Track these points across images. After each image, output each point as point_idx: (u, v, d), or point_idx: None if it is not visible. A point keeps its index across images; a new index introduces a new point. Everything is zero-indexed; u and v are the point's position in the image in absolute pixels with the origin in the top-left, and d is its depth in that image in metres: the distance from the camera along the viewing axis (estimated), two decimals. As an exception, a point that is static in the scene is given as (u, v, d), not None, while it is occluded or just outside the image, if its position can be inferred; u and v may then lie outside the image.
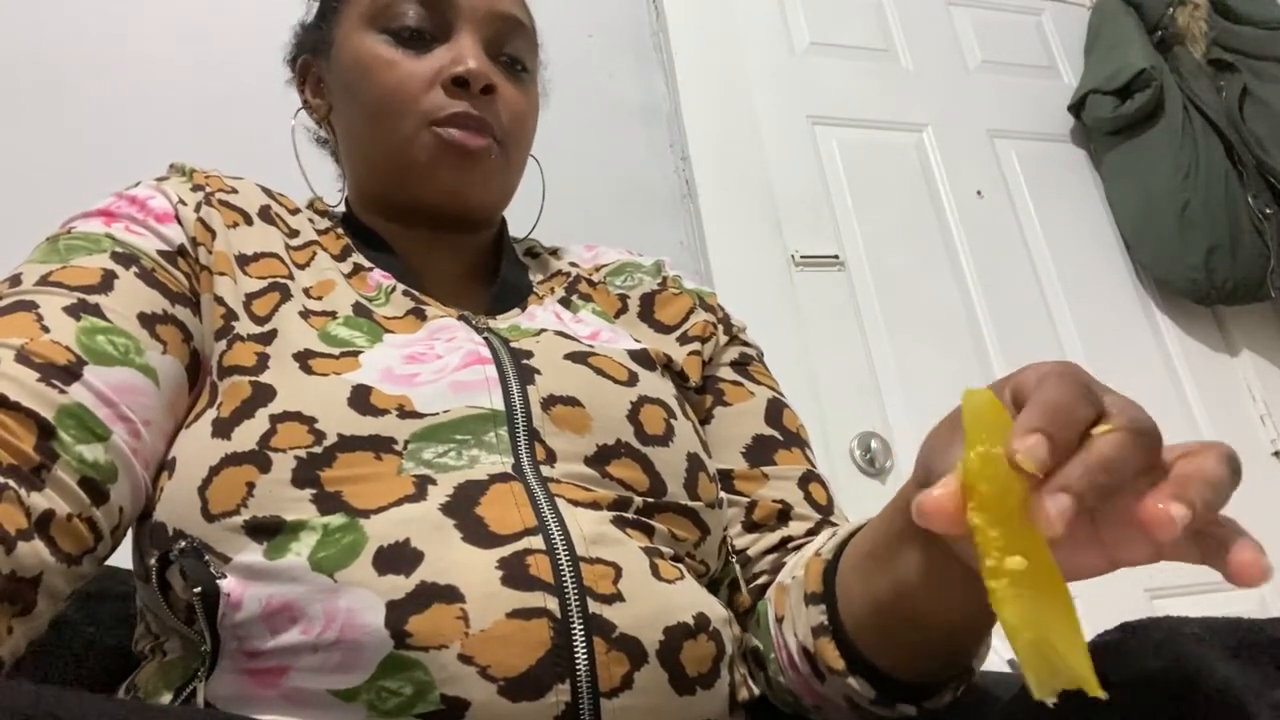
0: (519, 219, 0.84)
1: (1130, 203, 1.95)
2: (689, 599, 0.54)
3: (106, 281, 0.56)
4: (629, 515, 0.56)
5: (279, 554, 0.49)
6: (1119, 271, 1.94)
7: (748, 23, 1.88)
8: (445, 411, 0.55)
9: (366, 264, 0.69)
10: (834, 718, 0.58)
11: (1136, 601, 1.57)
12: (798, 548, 0.65)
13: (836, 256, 1.71)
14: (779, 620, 0.59)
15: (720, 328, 0.76)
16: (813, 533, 0.66)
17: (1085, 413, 0.35)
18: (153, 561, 0.52)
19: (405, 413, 0.54)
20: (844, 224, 1.75)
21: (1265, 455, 1.83)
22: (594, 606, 0.49)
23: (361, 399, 0.54)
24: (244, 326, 0.59)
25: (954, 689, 0.53)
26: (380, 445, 0.53)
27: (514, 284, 0.74)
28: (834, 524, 0.67)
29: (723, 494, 0.66)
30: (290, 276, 0.64)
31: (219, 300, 0.60)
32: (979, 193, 1.90)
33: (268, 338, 0.59)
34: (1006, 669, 1.33)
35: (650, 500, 0.57)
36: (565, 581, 0.49)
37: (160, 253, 0.60)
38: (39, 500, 0.48)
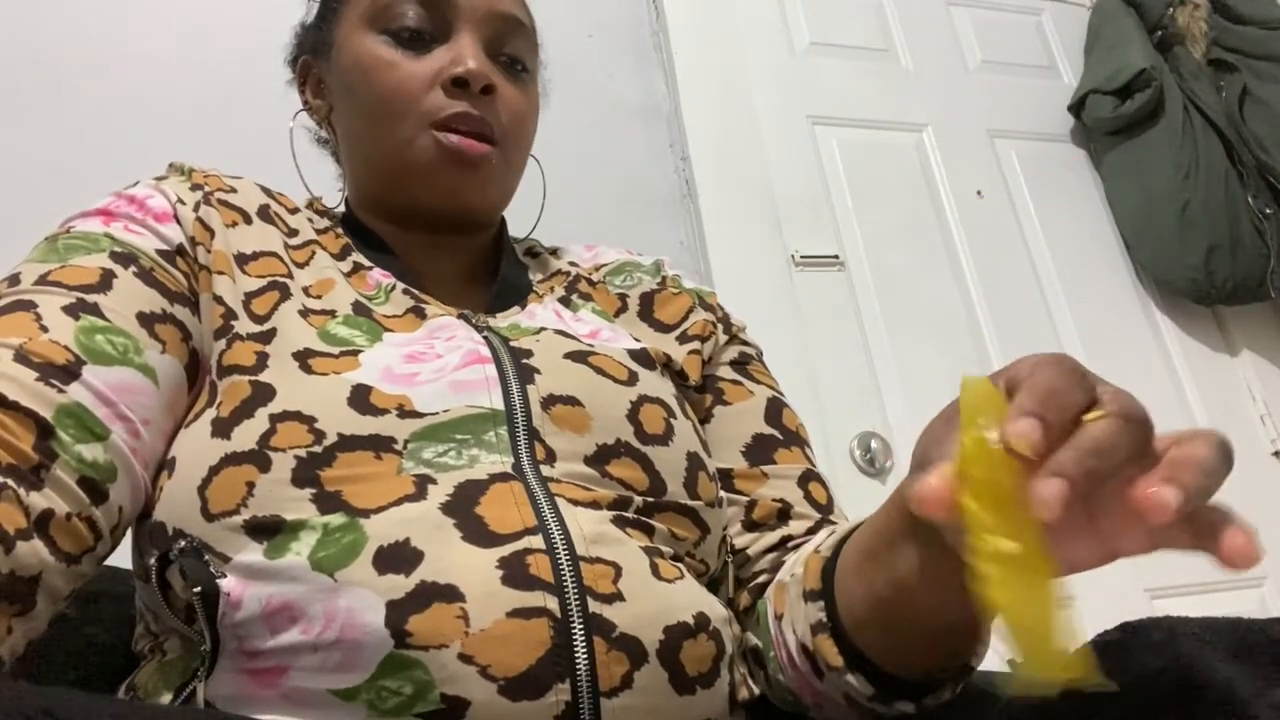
0: (519, 219, 0.83)
1: (1130, 203, 1.95)
2: (689, 598, 0.54)
3: (105, 281, 0.56)
4: (629, 515, 0.56)
5: (279, 553, 0.49)
6: (1119, 271, 1.94)
7: (748, 23, 1.88)
8: (445, 411, 0.55)
9: (366, 263, 0.69)
10: (833, 715, 0.58)
11: (1136, 601, 1.57)
12: (797, 546, 0.65)
13: (836, 256, 1.71)
14: (778, 618, 0.59)
15: (720, 327, 0.76)
16: (812, 532, 0.66)
17: (1077, 397, 0.36)
18: (152, 561, 0.52)
19: (405, 412, 0.54)
20: (844, 224, 1.75)
21: (1265, 455, 1.83)
22: (594, 606, 0.49)
23: (361, 398, 0.54)
24: (243, 325, 0.59)
25: (952, 686, 0.53)
26: (380, 445, 0.53)
27: (514, 283, 0.74)
28: (833, 523, 0.67)
29: (722, 493, 0.66)
30: (289, 275, 0.64)
31: (218, 299, 0.60)
32: (979, 193, 1.90)
33: (267, 337, 0.59)
34: (1006, 668, 1.33)
35: (650, 500, 0.57)
36: (565, 581, 0.49)
37: (159, 252, 0.60)
38: (38, 500, 0.47)
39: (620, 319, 0.74)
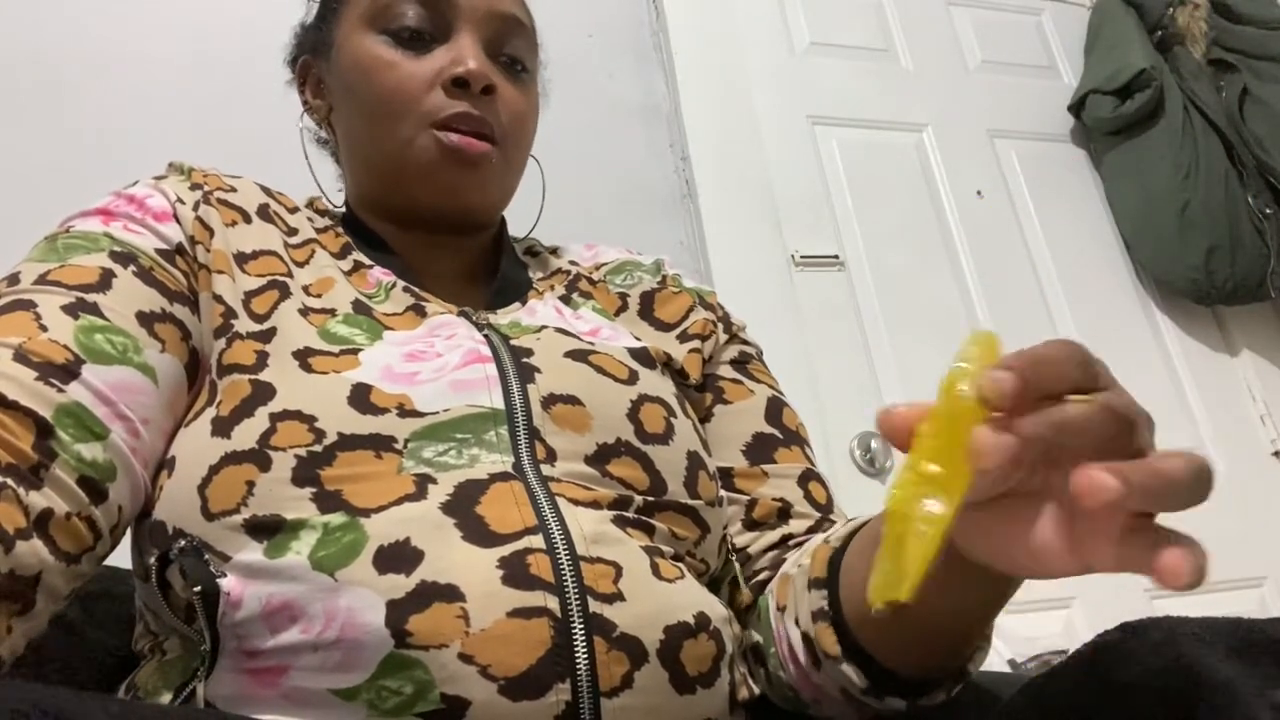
0: (519, 219, 0.83)
1: (1130, 203, 1.95)
2: (689, 598, 0.54)
3: (105, 280, 0.56)
4: (629, 514, 0.56)
5: (279, 553, 0.49)
6: (1119, 271, 1.95)
7: (748, 23, 1.88)
8: (445, 410, 0.55)
9: (366, 261, 0.69)
10: (831, 712, 0.58)
11: (1136, 601, 1.57)
12: (798, 545, 0.65)
13: (836, 256, 1.71)
14: (780, 610, 0.59)
15: (720, 326, 0.76)
16: (813, 530, 0.66)
17: (1070, 372, 0.35)
18: (152, 560, 0.52)
19: (405, 411, 0.54)
20: (844, 224, 1.75)
21: (1265, 455, 1.83)
22: (594, 606, 0.49)
23: (361, 398, 0.54)
24: (243, 324, 0.59)
25: (948, 689, 0.53)
26: (380, 444, 0.53)
27: (514, 280, 0.74)
28: (833, 522, 0.67)
29: (722, 492, 0.66)
30: (289, 274, 0.64)
31: (218, 298, 0.60)
32: (979, 193, 1.90)
33: (267, 335, 0.59)
34: (1006, 669, 1.34)
35: (650, 499, 0.57)
36: (566, 581, 0.49)
37: (158, 251, 0.60)
38: (37, 499, 0.47)
39: (621, 318, 0.74)
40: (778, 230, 1.69)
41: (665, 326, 0.74)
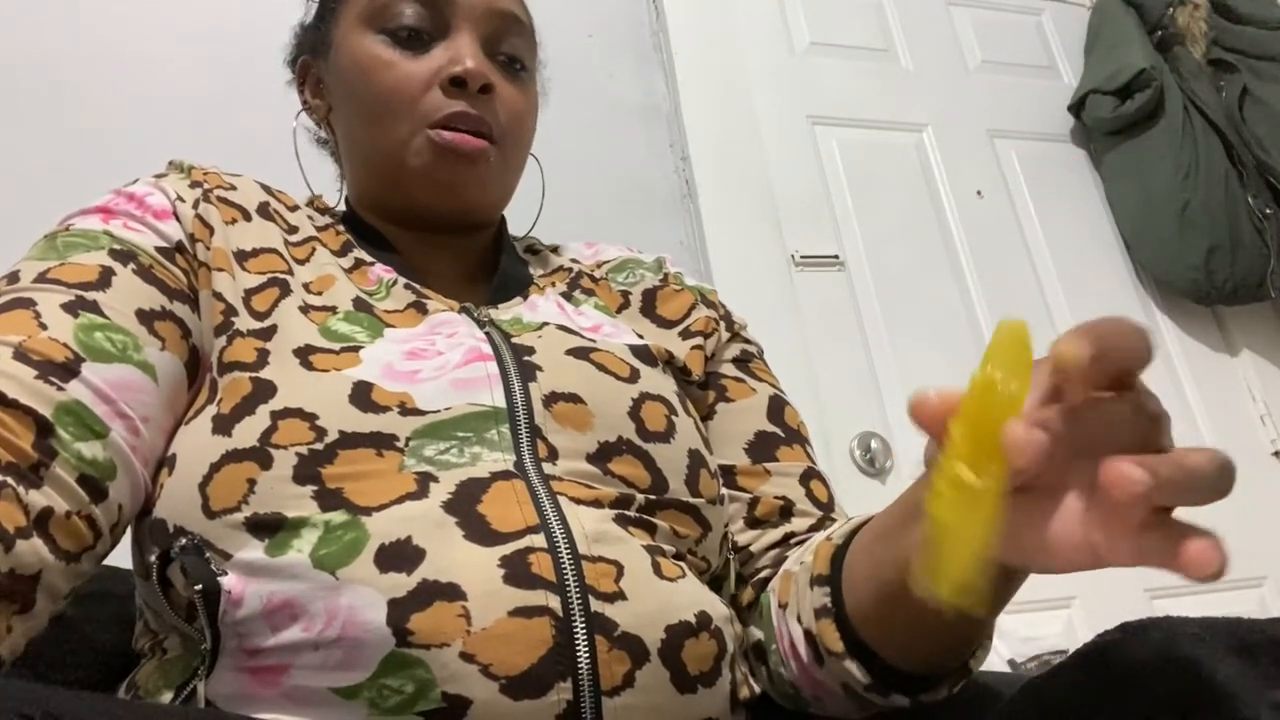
0: (519, 218, 0.83)
1: (1130, 203, 1.95)
2: (691, 597, 0.54)
3: (104, 278, 0.56)
4: (631, 513, 0.56)
5: (280, 551, 0.49)
6: (1119, 271, 1.95)
7: (748, 23, 1.88)
8: (447, 409, 0.55)
9: (367, 259, 0.69)
10: (832, 709, 0.58)
11: (1136, 601, 1.57)
12: (800, 543, 0.65)
13: (836, 256, 1.71)
14: (782, 607, 0.59)
15: (722, 324, 0.76)
16: (815, 529, 0.66)
17: (1136, 344, 0.35)
18: (153, 559, 0.52)
19: (406, 410, 0.54)
20: (844, 224, 1.75)
21: (1265, 455, 1.83)
22: (596, 605, 0.49)
23: (363, 396, 0.54)
24: (244, 322, 0.59)
25: (950, 685, 0.53)
26: (381, 442, 0.53)
27: (515, 276, 0.74)
28: (835, 520, 0.68)
29: (724, 490, 0.66)
30: (290, 272, 0.64)
31: (218, 296, 0.60)
32: (979, 193, 1.90)
33: (268, 333, 0.59)
34: (1006, 669, 1.34)
35: (652, 497, 0.57)
36: (567, 580, 0.49)
37: (158, 249, 0.60)
38: (37, 498, 0.47)
39: (623, 315, 0.74)
40: (778, 230, 1.69)
41: (667, 324, 0.74)
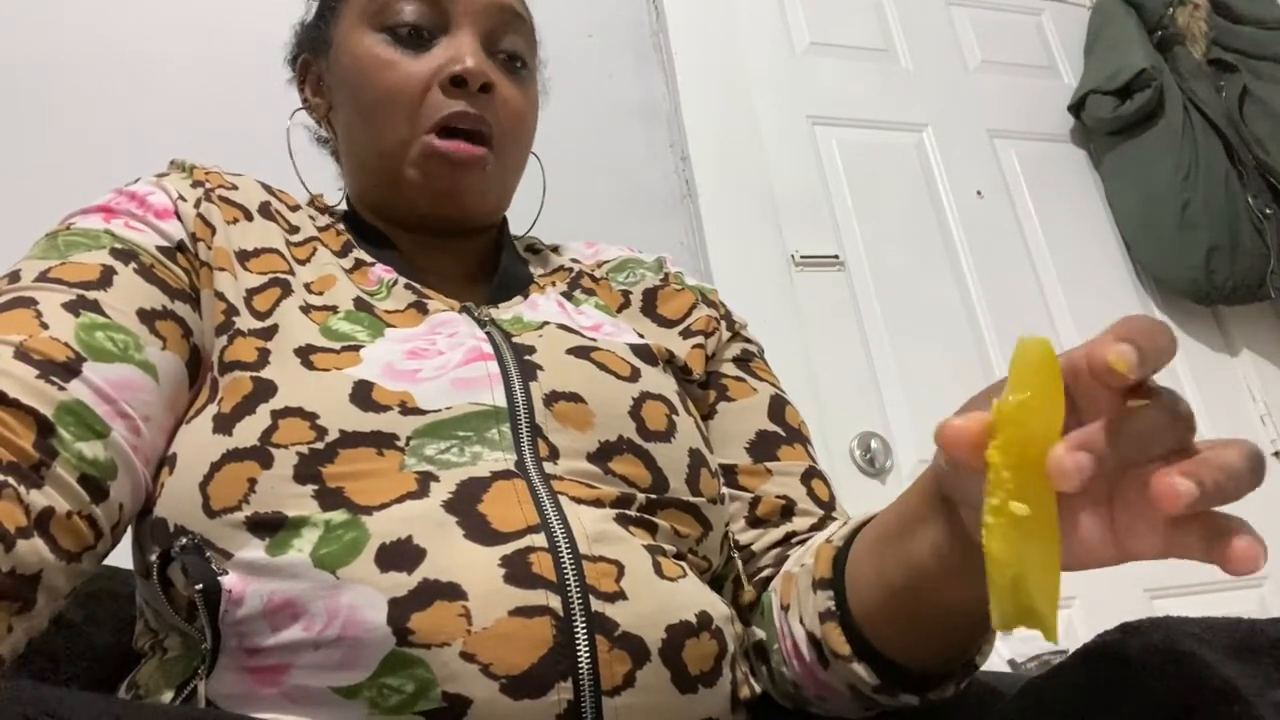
0: (519, 218, 0.83)
1: (1130, 202, 1.95)
2: (691, 597, 0.54)
3: (105, 278, 0.56)
4: (631, 513, 0.56)
5: (281, 550, 0.49)
6: (1119, 271, 1.95)
7: (748, 23, 1.88)
8: (447, 408, 0.55)
9: (368, 259, 0.69)
10: (836, 709, 0.58)
11: (1136, 601, 1.57)
12: (801, 542, 0.65)
13: (836, 256, 1.71)
14: (784, 608, 0.59)
15: (723, 323, 0.76)
16: (816, 528, 0.66)
17: (1169, 344, 0.35)
18: (153, 558, 0.52)
19: (407, 409, 0.54)
20: (844, 224, 1.75)
21: (1265, 455, 1.82)
22: (596, 604, 0.49)
23: (363, 395, 0.54)
24: (245, 322, 0.59)
25: (956, 682, 0.53)
26: (382, 441, 0.53)
27: (515, 275, 0.74)
28: (836, 519, 0.68)
29: (724, 489, 0.66)
30: (291, 272, 0.64)
31: (219, 295, 0.60)
32: (979, 193, 1.90)
33: (268, 333, 0.59)
34: (1006, 669, 1.34)
35: (653, 497, 0.57)
36: (568, 579, 0.49)
37: (159, 248, 0.60)
38: (38, 498, 0.47)
39: (623, 314, 0.74)
40: (778, 230, 1.69)
41: (668, 323, 0.74)
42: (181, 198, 0.64)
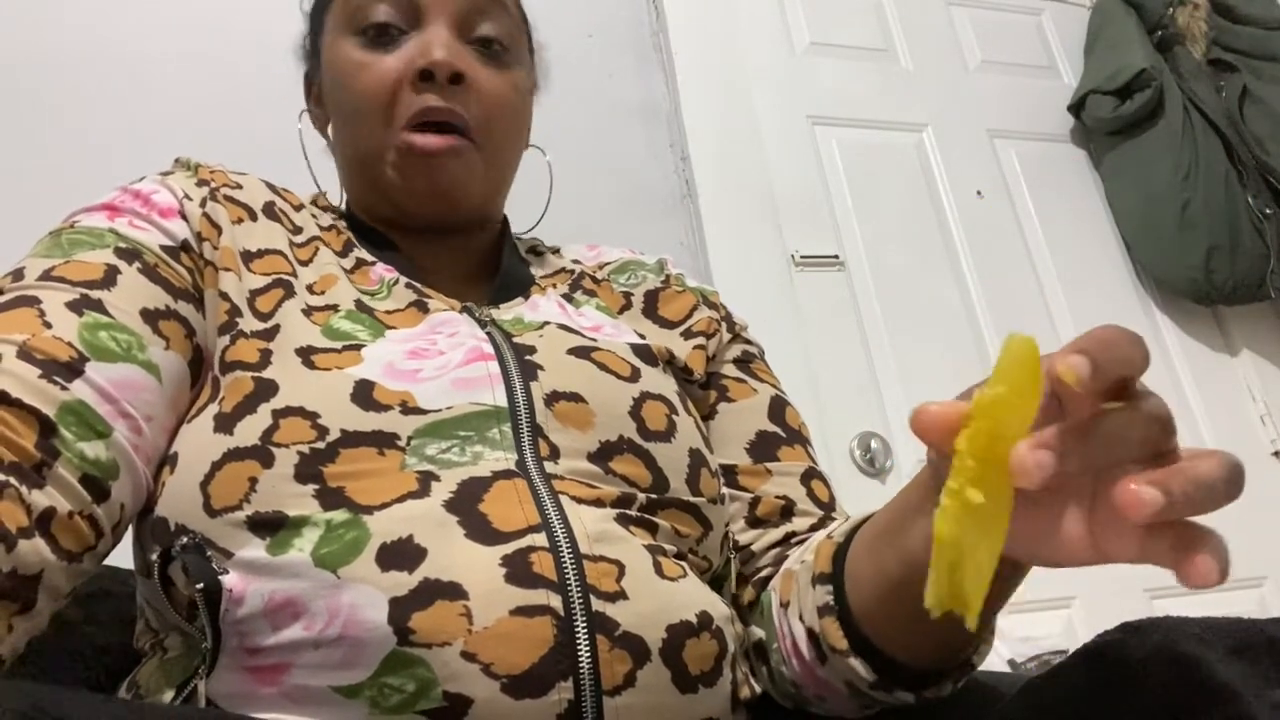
0: (521, 218, 0.83)
1: (1130, 202, 1.95)
2: (692, 597, 0.54)
3: (109, 277, 0.56)
4: (632, 512, 0.56)
5: (282, 550, 0.49)
6: (1119, 271, 1.95)
7: (748, 23, 1.88)
8: (448, 408, 0.55)
9: (369, 258, 0.69)
10: (835, 708, 0.58)
11: (1136, 601, 1.57)
12: (800, 543, 0.65)
13: (836, 256, 1.71)
14: (784, 606, 0.59)
15: (724, 325, 0.76)
16: (816, 529, 0.66)
17: (1132, 354, 0.35)
18: (154, 557, 0.52)
19: (408, 409, 0.54)
20: (844, 224, 1.76)
21: (1265, 455, 1.83)
22: (597, 604, 0.49)
23: (364, 395, 0.54)
24: (248, 323, 0.59)
25: (953, 680, 0.53)
26: (383, 441, 0.53)
27: (517, 276, 0.74)
28: (835, 520, 0.68)
29: (724, 489, 0.66)
30: (294, 273, 0.64)
31: (224, 296, 0.60)
32: (979, 193, 1.90)
33: (270, 334, 0.59)
34: (1006, 669, 1.34)
35: (653, 496, 0.57)
36: (568, 579, 0.49)
37: (163, 248, 0.60)
38: (40, 498, 0.47)
39: (624, 316, 0.74)
40: (778, 230, 1.69)
41: (669, 324, 0.74)
42: (187, 196, 0.64)
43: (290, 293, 0.62)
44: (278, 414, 0.53)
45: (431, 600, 0.47)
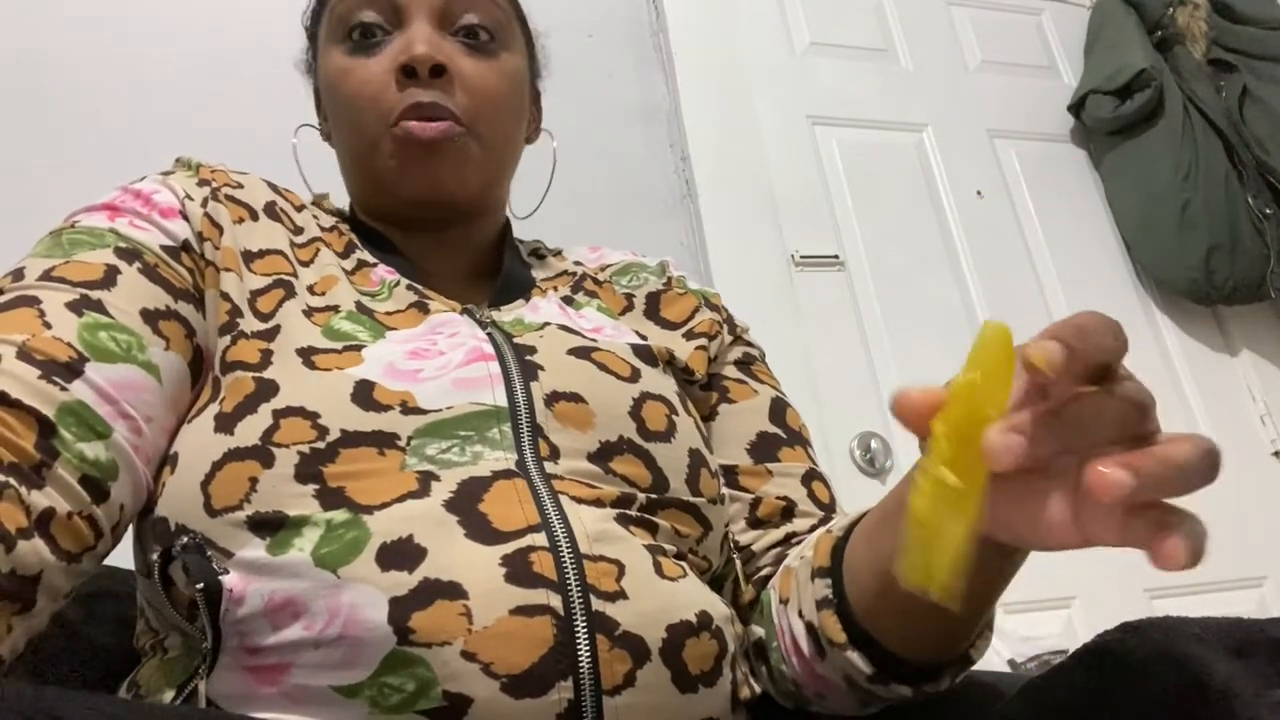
0: (522, 213, 0.83)
1: (1130, 203, 1.95)
2: (692, 597, 0.54)
3: (109, 277, 0.56)
4: (632, 512, 0.56)
5: (282, 549, 0.49)
6: (1119, 271, 1.95)
7: (748, 23, 1.88)
8: (449, 408, 0.55)
9: (370, 260, 0.69)
10: (834, 705, 0.58)
11: (1136, 601, 1.57)
12: (800, 543, 0.65)
13: (836, 256, 1.71)
14: (783, 602, 0.59)
15: (725, 327, 0.76)
16: (816, 529, 0.66)
17: (1109, 341, 0.35)
18: (154, 557, 0.52)
19: (408, 409, 0.54)
20: (844, 224, 1.76)
21: (1265, 455, 1.83)
22: (597, 604, 0.49)
23: (365, 395, 0.54)
24: (248, 323, 0.59)
25: (951, 674, 0.53)
26: (383, 441, 0.53)
27: (518, 278, 0.74)
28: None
29: (724, 490, 0.67)
30: (294, 274, 0.64)
31: (225, 296, 0.60)
32: (979, 193, 1.90)
33: (271, 334, 0.59)
34: (1006, 669, 1.34)
35: (653, 497, 0.57)
36: (568, 579, 0.49)
37: (164, 248, 0.60)
38: (39, 498, 0.47)
39: (626, 317, 0.74)
40: (778, 230, 1.69)
41: (671, 326, 0.74)
42: (188, 196, 0.64)
43: (291, 293, 0.62)
44: (278, 414, 0.53)
45: (431, 600, 0.47)
